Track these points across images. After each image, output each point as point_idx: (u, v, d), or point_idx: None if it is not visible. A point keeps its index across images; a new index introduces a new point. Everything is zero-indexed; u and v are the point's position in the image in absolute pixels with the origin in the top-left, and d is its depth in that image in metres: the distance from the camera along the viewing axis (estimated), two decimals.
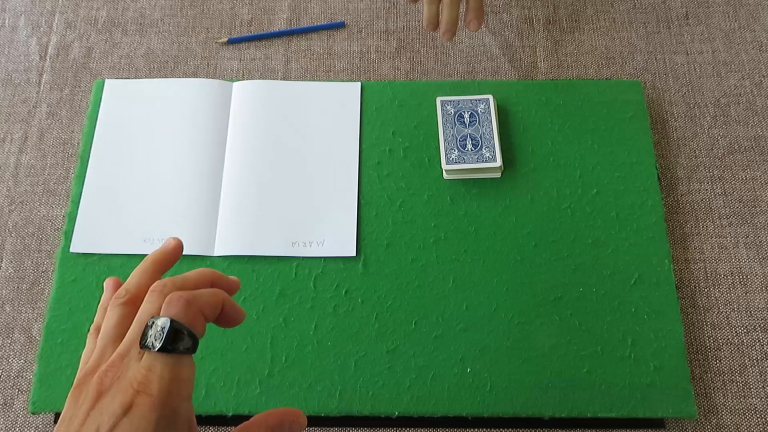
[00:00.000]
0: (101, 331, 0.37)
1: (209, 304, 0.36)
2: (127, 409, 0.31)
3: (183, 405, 0.33)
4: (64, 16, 0.79)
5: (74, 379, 0.34)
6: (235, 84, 0.73)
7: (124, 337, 0.35)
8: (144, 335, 0.34)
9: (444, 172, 0.67)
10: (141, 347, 0.33)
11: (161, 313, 0.34)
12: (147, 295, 0.36)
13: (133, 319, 0.36)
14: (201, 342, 0.34)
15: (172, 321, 0.33)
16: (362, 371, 0.60)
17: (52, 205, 0.69)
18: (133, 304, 0.37)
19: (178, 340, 0.33)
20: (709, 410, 0.60)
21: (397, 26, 0.78)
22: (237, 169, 0.68)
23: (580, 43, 0.76)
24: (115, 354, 0.34)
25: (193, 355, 0.34)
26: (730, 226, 0.67)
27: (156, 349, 0.33)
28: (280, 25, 0.78)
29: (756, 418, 0.59)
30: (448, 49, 0.76)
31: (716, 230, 0.67)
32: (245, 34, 0.78)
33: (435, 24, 0.68)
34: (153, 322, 0.34)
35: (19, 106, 0.74)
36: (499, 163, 0.66)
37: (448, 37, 0.67)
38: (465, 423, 0.59)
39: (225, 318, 0.38)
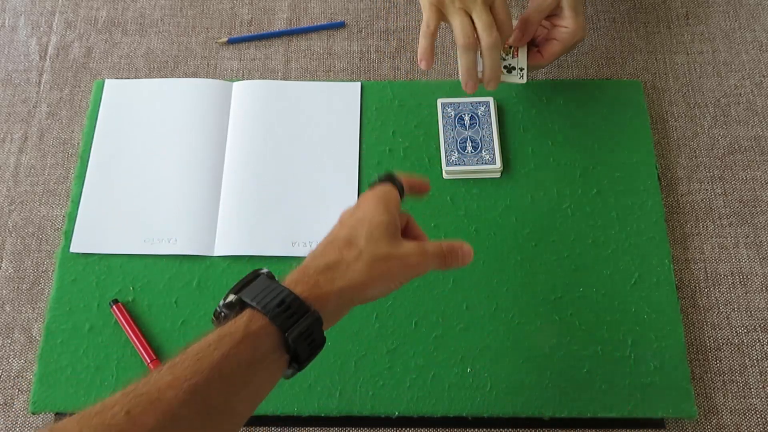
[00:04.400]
0: None
1: (410, 181, 0.54)
2: (359, 206, 0.50)
3: (392, 202, 0.50)
4: (64, 16, 0.79)
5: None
6: (235, 84, 0.73)
7: None
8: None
9: (444, 173, 0.67)
10: (378, 181, 0.53)
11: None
12: None
13: None
14: None
15: (393, 174, 0.53)
16: (362, 371, 0.60)
17: (52, 205, 0.69)
18: None
19: (395, 180, 0.52)
20: (709, 410, 0.60)
21: (397, 26, 0.78)
22: (237, 168, 0.68)
23: (580, 43, 0.76)
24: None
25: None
26: (731, 226, 0.67)
27: (379, 180, 0.52)
28: (280, 25, 0.78)
29: (756, 418, 0.59)
30: (448, 49, 0.76)
31: (716, 230, 0.67)
32: (245, 34, 0.78)
33: (475, 78, 0.63)
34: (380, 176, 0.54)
35: (19, 106, 0.74)
36: (498, 165, 0.66)
37: (493, 86, 0.64)
38: (465, 423, 0.59)
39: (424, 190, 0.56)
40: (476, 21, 0.60)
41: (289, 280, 0.45)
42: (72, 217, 0.66)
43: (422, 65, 0.62)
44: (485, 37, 0.60)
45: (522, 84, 0.66)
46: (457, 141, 0.68)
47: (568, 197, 0.67)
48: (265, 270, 0.47)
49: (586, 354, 0.60)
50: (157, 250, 0.65)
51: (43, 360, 0.60)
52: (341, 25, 0.78)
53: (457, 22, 0.60)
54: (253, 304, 0.42)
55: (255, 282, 0.45)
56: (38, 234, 0.67)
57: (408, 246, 0.48)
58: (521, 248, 0.64)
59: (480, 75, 0.63)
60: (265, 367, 0.42)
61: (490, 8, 0.61)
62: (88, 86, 0.75)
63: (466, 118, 0.69)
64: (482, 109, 0.69)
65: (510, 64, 0.66)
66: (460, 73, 0.63)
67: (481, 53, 0.62)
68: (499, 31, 0.61)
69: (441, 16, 0.61)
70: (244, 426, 0.59)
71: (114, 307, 0.62)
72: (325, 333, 0.45)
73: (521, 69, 0.66)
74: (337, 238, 0.47)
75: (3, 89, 0.75)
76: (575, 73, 0.75)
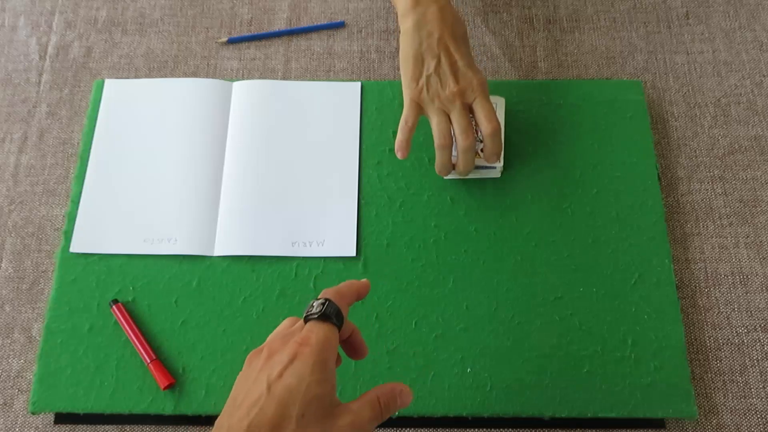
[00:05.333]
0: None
1: (350, 293, 0.47)
2: (293, 359, 0.41)
3: (331, 359, 0.43)
4: (64, 16, 0.79)
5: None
6: (235, 84, 0.73)
7: None
8: (308, 312, 0.45)
9: None
10: (305, 319, 0.44)
11: (319, 297, 0.46)
12: None
13: None
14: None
15: (328, 300, 0.45)
16: (362, 371, 0.60)
17: (52, 205, 0.69)
18: None
19: (332, 314, 0.44)
20: (709, 410, 0.60)
21: (397, 26, 0.78)
22: (237, 168, 0.68)
23: (580, 42, 0.76)
24: (282, 328, 0.46)
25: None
26: (731, 226, 0.67)
27: (316, 316, 0.44)
28: (280, 25, 0.78)
29: (756, 418, 0.59)
30: None
31: (716, 230, 0.67)
32: (245, 33, 0.78)
33: (449, 170, 0.65)
34: (313, 303, 0.45)
35: (19, 106, 0.74)
36: (499, 165, 0.66)
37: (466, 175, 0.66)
38: (465, 423, 0.59)
39: (362, 297, 0.49)
40: (454, 123, 0.62)
41: None
42: (72, 217, 0.66)
43: (399, 155, 0.63)
44: (461, 141, 0.62)
45: (498, 173, 0.67)
46: None
47: (568, 197, 0.67)
48: None
49: (586, 354, 0.60)
50: (157, 250, 0.65)
51: (43, 360, 0.60)
52: (341, 25, 0.78)
53: (435, 123, 0.62)
54: None
55: None
56: (38, 234, 0.67)
57: (343, 419, 0.42)
58: (521, 248, 0.64)
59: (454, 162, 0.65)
60: None
61: (472, 106, 0.62)
62: (88, 86, 0.75)
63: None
64: None
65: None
66: (436, 164, 0.64)
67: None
68: (481, 129, 0.62)
69: (421, 112, 0.63)
70: None
71: (114, 307, 0.62)
72: None
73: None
74: (262, 417, 0.39)
75: (3, 89, 0.75)
76: (575, 73, 0.75)
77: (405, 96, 0.63)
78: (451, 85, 0.62)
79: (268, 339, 0.45)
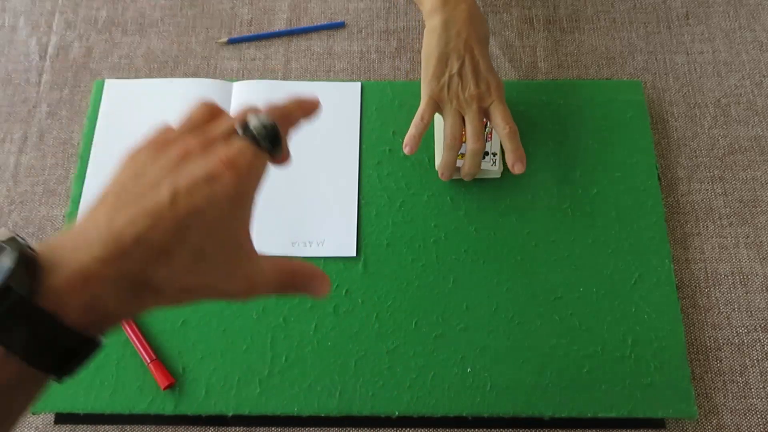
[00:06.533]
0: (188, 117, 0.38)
1: (297, 116, 0.40)
2: (212, 179, 0.32)
3: (254, 193, 0.35)
4: (64, 16, 0.79)
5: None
6: (235, 84, 0.73)
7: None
8: (246, 125, 0.36)
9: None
10: (244, 132, 0.36)
11: (263, 114, 0.37)
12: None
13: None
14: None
15: (275, 125, 0.36)
16: (362, 371, 0.60)
17: (52, 205, 0.69)
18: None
19: (275, 143, 0.36)
20: (709, 410, 0.60)
21: (397, 26, 0.78)
22: None
23: (580, 43, 0.76)
24: (201, 118, 0.37)
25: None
26: (731, 226, 0.67)
27: (256, 140, 0.35)
28: (280, 25, 0.78)
29: (756, 418, 0.59)
30: None
31: (716, 230, 0.67)
32: (245, 34, 0.78)
33: (452, 171, 0.64)
34: (256, 117, 0.36)
35: (19, 106, 0.74)
36: (499, 166, 0.66)
37: (469, 179, 0.66)
38: (465, 423, 0.59)
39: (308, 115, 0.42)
40: (467, 125, 0.62)
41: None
42: (72, 217, 0.66)
43: (406, 150, 0.63)
44: (471, 144, 0.62)
45: (498, 174, 0.67)
46: None
47: (568, 197, 0.67)
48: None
49: (586, 354, 0.60)
50: None
51: None
52: (341, 25, 0.78)
53: (449, 123, 0.62)
54: None
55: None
56: (38, 234, 0.67)
57: (242, 270, 0.35)
58: (521, 248, 0.64)
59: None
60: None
61: (489, 110, 0.62)
62: (88, 86, 0.75)
63: None
64: None
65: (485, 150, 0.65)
66: (441, 163, 0.64)
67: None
68: (498, 131, 0.63)
69: (437, 109, 0.63)
70: (245, 426, 0.59)
71: None
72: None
73: (494, 154, 0.66)
74: (154, 233, 0.31)
75: (3, 89, 0.75)
76: (575, 73, 0.75)
77: (423, 92, 0.63)
78: (471, 88, 0.62)
79: (182, 127, 0.37)
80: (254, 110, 0.37)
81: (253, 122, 0.36)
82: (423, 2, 0.65)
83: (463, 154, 0.64)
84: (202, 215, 0.32)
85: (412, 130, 0.63)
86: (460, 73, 0.62)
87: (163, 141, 0.36)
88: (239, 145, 0.35)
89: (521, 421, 0.59)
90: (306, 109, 0.41)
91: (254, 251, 0.35)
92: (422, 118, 0.62)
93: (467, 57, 0.62)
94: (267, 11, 0.79)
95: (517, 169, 0.62)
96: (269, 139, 0.36)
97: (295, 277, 0.37)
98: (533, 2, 0.79)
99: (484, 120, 0.63)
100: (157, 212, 0.31)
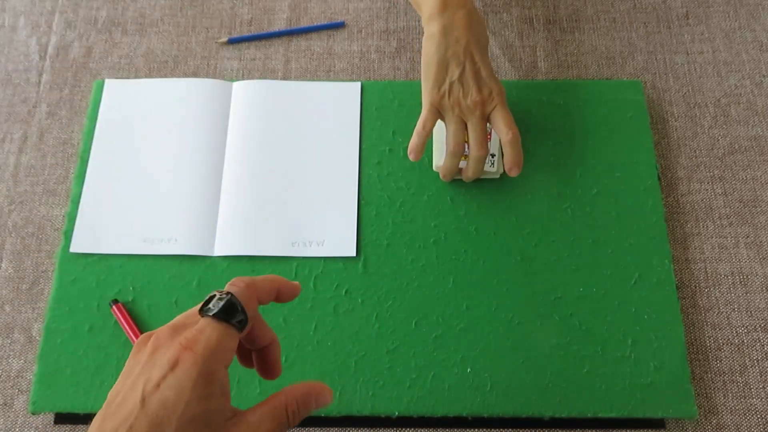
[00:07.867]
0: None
1: (265, 290, 0.41)
2: (173, 365, 0.35)
3: (221, 370, 0.36)
4: (64, 16, 0.79)
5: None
6: (235, 84, 0.73)
7: None
8: (206, 304, 0.38)
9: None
10: (200, 312, 0.38)
11: (225, 289, 0.39)
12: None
13: None
14: None
15: (231, 295, 0.38)
16: (362, 371, 0.60)
17: (52, 205, 0.69)
18: None
19: (232, 313, 0.37)
20: (709, 410, 0.60)
21: (397, 26, 0.78)
22: (237, 168, 0.68)
23: (580, 43, 0.76)
24: (176, 319, 0.39)
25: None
26: (731, 226, 0.67)
27: (211, 314, 0.37)
28: (280, 25, 0.78)
29: (756, 418, 0.59)
30: None
31: (716, 230, 0.67)
32: (245, 34, 0.78)
33: (453, 175, 0.65)
34: (215, 295, 0.38)
35: (19, 106, 0.74)
36: (497, 168, 0.66)
37: (469, 181, 0.66)
38: (465, 423, 0.59)
39: (283, 297, 0.43)
40: (470, 132, 0.62)
41: None
42: (72, 217, 0.66)
43: (411, 157, 0.63)
44: (474, 151, 0.62)
45: (497, 174, 0.67)
46: None
47: (568, 197, 0.67)
48: None
49: (586, 354, 0.60)
50: (157, 250, 0.65)
51: (43, 360, 0.60)
52: (341, 25, 0.78)
53: (452, 130, 0.62)
54: None
55: None
56: (38, 234, 0.67)
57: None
58: (521, 248, 0.64)
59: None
60: None
61: (491, 115, 0.62)
62: (88, 86, 0.75)
63: None
64: None
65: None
66: (443, 169, 0.64)
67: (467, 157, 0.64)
68: (500, 136, 0.62)
69: (439, 116, 0.63)
70: None
71: (114, 307, 0.62)
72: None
73: (492, 156, 0.65)
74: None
75: (3, 89, 0.75)
76: (575, 73, 0.75)
77: (424, 100, 0.63)
78: (473, 94, 0.61)
79: (165, 325, 0.39)
80: (234, 282, 0.39)
81: (216, 296, 0.38)
82: (422, 8, 0.64)
83: (465, 155, 0.64)
84: (173, 405, 0.34)
85: (414, 138, 0.62)
86: (461, 80, 0.61)
87: (146, 337, 0.38)
88: (201, 325, 0.37)
89: (521, 421, 0.59)
90: (284, 293, 0.42)
91: (239, 415, 0.37)
92: (424, 127, 0.62)
93: (467, 63, 0.61)
94: (267, 11, 0.79)
95: (513, 173, 0.62)
96: (223, 311, 0.37)
97: (298, 406, 0.39)
98: (533, 2, 0.79)
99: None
100: (132, 417, 0.34)
